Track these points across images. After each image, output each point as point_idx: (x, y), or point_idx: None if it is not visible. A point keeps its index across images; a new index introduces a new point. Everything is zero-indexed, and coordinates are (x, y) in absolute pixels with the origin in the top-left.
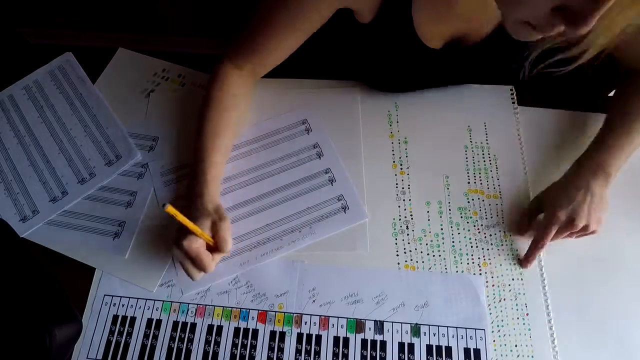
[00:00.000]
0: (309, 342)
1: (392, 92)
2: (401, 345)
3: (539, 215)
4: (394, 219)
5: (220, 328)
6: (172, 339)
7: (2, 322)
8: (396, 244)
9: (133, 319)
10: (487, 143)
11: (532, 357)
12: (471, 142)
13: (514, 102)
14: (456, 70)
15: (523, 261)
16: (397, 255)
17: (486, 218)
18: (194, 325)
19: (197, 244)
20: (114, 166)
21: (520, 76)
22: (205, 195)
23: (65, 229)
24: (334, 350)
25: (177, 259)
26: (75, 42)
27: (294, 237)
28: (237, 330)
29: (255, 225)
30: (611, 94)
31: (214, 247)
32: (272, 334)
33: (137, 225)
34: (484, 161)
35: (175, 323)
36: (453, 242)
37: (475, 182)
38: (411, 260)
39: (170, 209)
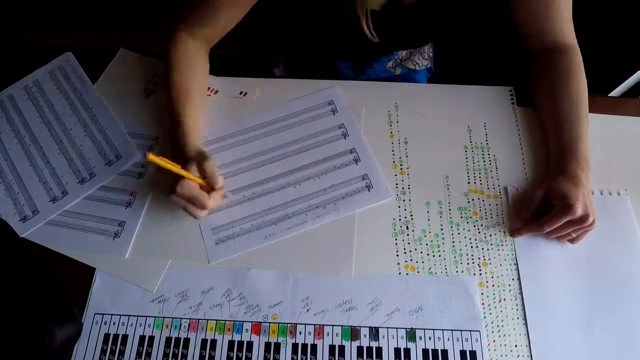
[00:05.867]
0: (304, 352)
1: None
2: (397, 350)
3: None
4: (394, 219)
5: (214, 342)
6: (165, 355)
7: (2, 322)
8: (396, 244)
9: (125, 336)
10: (487, 143)
11: (532, 357)
12: (471, 142)
13: (513, 103)
14: (397, 31)
15: (514, 231)
16: (397, 255)
17: (486, 218)
18: (187, 340)
19: (190, 186)
20: (114, 166)
21: None
22: (186, 145)
23: (65, 229)
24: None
25: (178, 204)
26: (75, 42)
27: (318, 213)
28: (231, 343)
29: (282, 200)
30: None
31: (209, 188)
32: (267, 345)
33: (137, 225)
34: (484, 161)
35: (168, 339)
36: (453, 242)
37: (475, 182)
38: (411, 260)
39: (152, 157)
